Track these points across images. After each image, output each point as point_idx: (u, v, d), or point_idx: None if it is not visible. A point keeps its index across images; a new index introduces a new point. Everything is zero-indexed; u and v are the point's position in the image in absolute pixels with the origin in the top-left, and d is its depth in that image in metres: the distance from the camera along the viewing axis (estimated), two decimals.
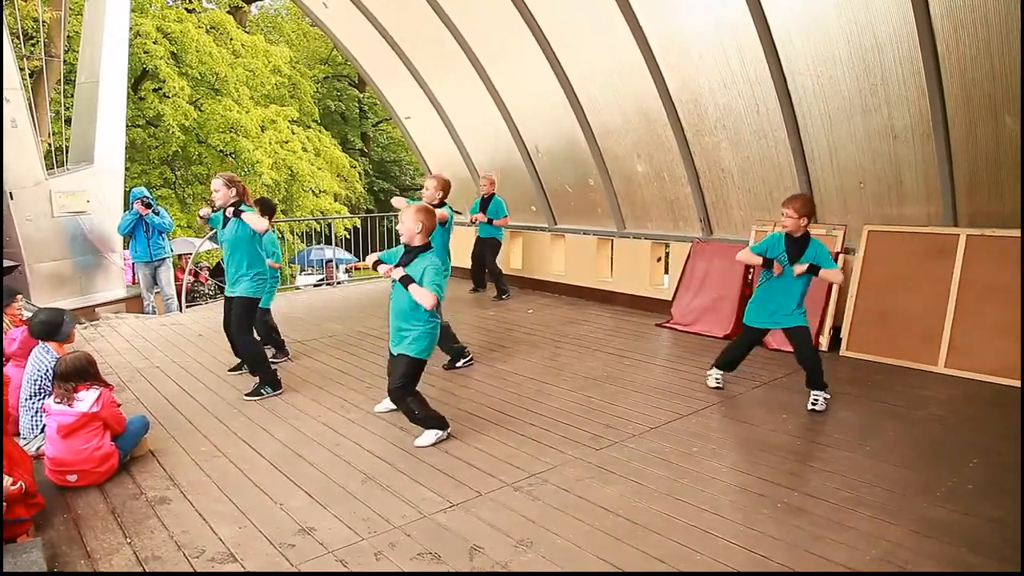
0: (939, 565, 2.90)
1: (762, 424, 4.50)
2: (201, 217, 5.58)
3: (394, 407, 4.64)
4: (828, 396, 4.75)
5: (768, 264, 4.71)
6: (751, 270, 6.81)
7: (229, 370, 5.74)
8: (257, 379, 5.20)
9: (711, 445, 4.17)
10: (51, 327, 4.18)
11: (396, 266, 4.13)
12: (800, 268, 4.57)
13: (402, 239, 4.23)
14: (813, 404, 4.71)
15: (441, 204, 6.00)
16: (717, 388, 5.16)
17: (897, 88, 5.58)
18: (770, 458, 3.97)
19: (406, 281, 4.04)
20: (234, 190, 5.15)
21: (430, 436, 4.22)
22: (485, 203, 8.69)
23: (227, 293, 5.31)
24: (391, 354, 4.30)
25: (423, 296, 3.99)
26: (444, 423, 4.28)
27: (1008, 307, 5.26)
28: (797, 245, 4.66)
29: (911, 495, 3.49)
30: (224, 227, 5.20)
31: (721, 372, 5.20)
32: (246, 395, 5.11)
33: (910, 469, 3.81)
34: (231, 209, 5.08)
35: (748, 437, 4.30)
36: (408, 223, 4.14)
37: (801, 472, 3.79)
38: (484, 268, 9.00)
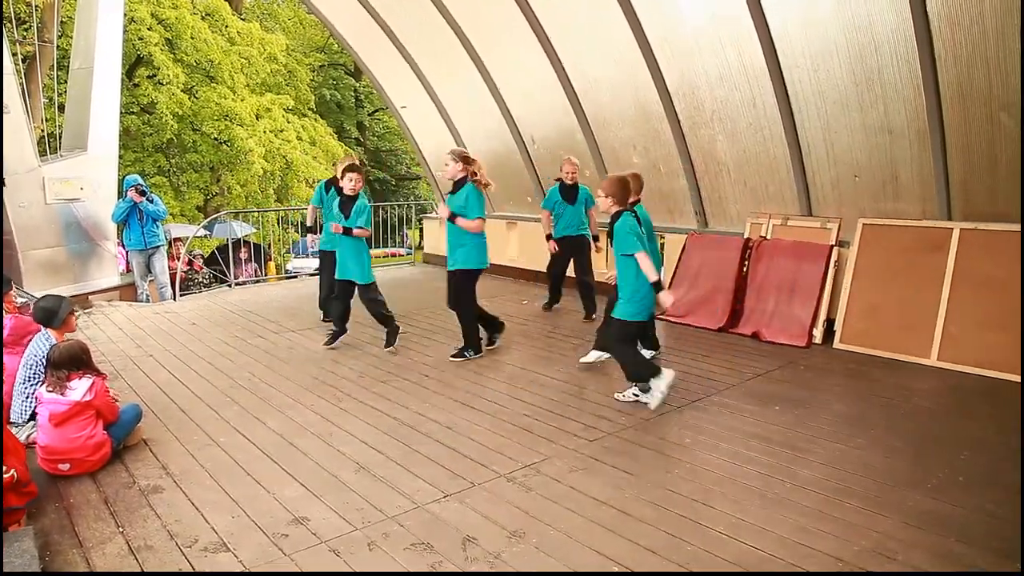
0: (929, 556, 2.92)
1: (754, 416, 4.52)
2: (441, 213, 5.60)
3: (599, 356, 5.49)
4: (638, 393, 4.69)
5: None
6: (746, 263, 6.82)
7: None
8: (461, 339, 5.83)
9: (703, 436, 4.18)
10: (47, 313, 4.19)
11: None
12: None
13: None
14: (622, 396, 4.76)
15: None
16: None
17: (893, 84, 5.58)
18: (761, 449, 3.99)
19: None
20: (463, 169, 5.56)
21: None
22: (571, 193, 6.94)
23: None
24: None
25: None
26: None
27: (1000, 301, 5.29)
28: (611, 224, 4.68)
29: (901, 486, 3.52)
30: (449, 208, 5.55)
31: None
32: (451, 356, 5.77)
33: (901, 461, 3.83)
34: (443, 208, 5.58)
35: (740, 428, 4.31)
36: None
37: (792, 463, 3.81)
38: (563, 277, 7.40)
